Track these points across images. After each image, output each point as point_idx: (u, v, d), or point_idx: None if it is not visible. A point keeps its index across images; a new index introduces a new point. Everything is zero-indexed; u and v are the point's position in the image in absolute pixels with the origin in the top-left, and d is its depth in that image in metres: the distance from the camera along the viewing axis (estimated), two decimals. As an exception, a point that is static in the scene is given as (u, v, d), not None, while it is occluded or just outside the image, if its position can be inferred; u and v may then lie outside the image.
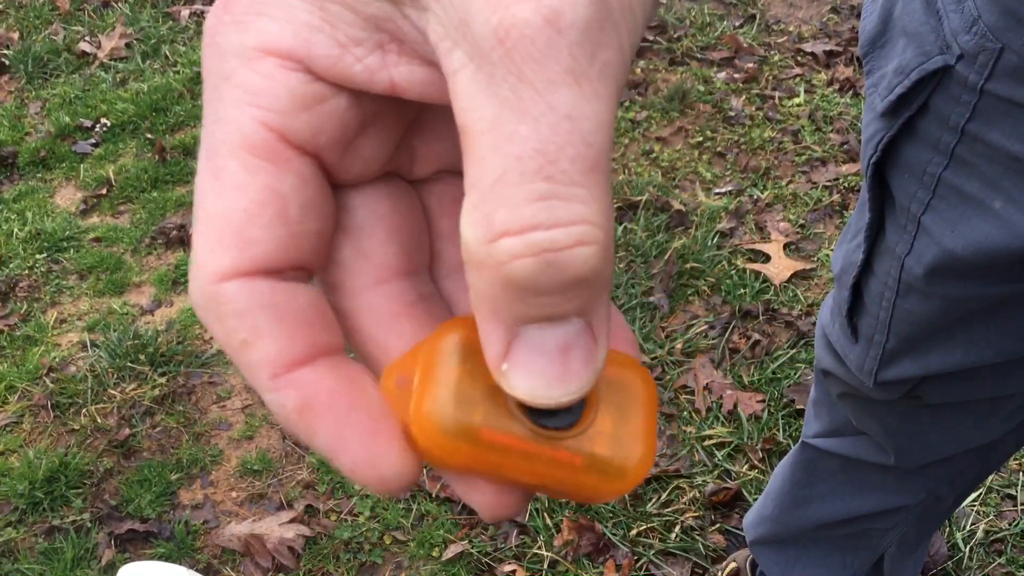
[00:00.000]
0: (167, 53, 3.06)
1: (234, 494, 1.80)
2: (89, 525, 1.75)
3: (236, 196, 0.25)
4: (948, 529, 1.66)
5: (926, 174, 0.82)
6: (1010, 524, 1.67)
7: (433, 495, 1.76)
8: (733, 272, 2.15)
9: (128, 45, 3.11)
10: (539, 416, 0.27)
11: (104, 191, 2.51)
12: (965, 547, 1.63)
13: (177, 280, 2.23)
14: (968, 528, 1.66)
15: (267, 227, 0.25)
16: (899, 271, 0.87)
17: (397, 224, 0.29)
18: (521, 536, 1.71)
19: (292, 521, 1.74)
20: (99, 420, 1.92)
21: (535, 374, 0.24)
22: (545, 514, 1.72)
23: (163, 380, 1.99)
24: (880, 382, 0.96)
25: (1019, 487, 1.71)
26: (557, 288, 0.23)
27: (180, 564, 1.68)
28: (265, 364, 0.26)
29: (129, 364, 2.01)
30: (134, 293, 2.22)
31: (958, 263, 0.81)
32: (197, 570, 1.67)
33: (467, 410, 0.27)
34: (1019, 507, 1.69)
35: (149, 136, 2.69)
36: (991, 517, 1.67)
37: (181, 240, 2.32)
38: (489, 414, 0.27)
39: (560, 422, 0.28)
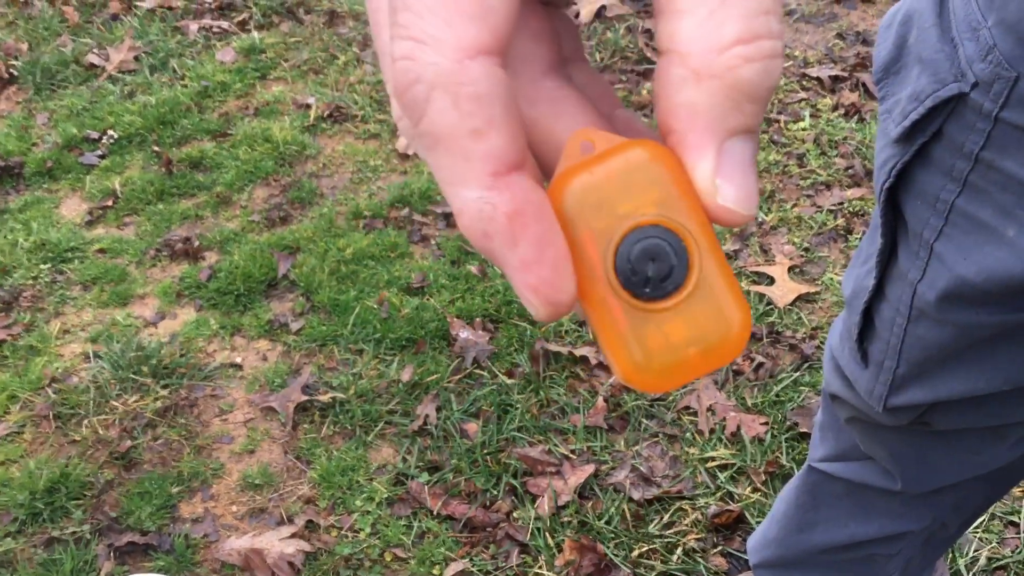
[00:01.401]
0: (175, 67, 3.07)
1: (235, 508, 1.80)
2: (89, 537, 1.75)
3: None
4: (951, 555, 1.65)
5: (939, 201, 0.82)
6: (1013, 551, 1.66)
7: (434, 512, 1.76)
8: (737, 294, 2.15)
9: (136, 58, 3.12)
10: (640, 285, 0.29)
11: (110, 202, 2.51)
12: (968, 574, 1.63)
13: (181, 293, 2.23)
14: (971, 554, 1.66)
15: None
16: (911, 297, 0.87)
17: (536, 27, 0.31)
18: (522, 555, 1.70)
19: (292, 536, 1.73)
20: (101, 431, 1.92)
21: (739, 187, 0.28)
22: (547, 533, 1.71)
23: (165, 392, 1.98)
24: (889, 408, 0.96)
25: (1022, 514, 1.71)
26: (765, 94, 0.27)
27: (179, 578, 1.67)
28: (491, 159, 0.26)
29: (132, 376, 2.01)
30: (138, 305, 2.22)
31: (970, 290, 0.81)
32: (196, 584, 1.67)
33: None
34: (1022, 534, 1.68)
35: (156, 149, 2.70)
36: (994, 544, 1.67)
37: (186, 252, 2.33)
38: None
39: (660, 290, 0.29)
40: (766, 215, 2.36)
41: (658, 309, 0.29)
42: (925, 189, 0.83)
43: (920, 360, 0.91)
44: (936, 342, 0.88)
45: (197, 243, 2.35)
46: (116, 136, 2.75)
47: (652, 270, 0.29)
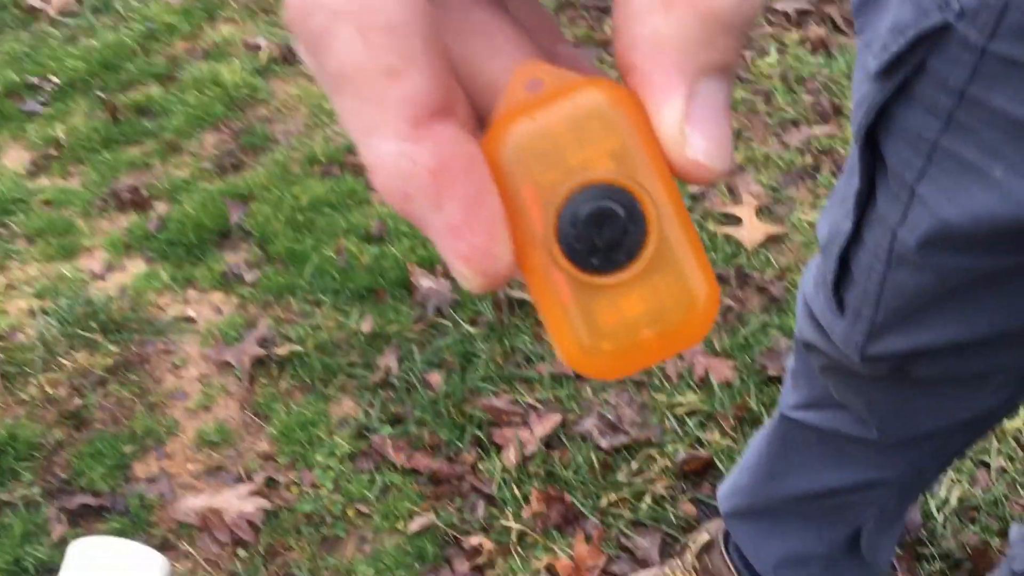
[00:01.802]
0: (119, 8, 2.94)
1: (191, 466, 1.74)
2: (39, 499, 1.69)
3: None
4: (922, 497, 1.64)
5: (922, 140, 0.77)
6: (984, 491, 1.65)
7: (398, 466, 1.71)
8: (705, 236, 2.10)
9: (79, 0, 2.99)
10: (585, 255, 0.25)
11: (54, 152, 2.41)
12: (939, 515, 1.62)
13: (130, 244, 2.15)
14: (942, 496, 1.64)
15: None
16: (890, 242, 0.82)
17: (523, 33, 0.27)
18: (489, 507, 1.67)
19: (251, 494, 1.68)
20: (49, 390, 1.85)
21: (711, 137, 0.24)
22: (514, 485, 1.68)
23: (116, 348, 1.91)
24: (867, 357, 0.92)
25: (993, 454, 1.70)
26: (744, 25, 0.23)
27: (134, 539, 1.62)
28: (410, 103, 0.22)
29: (80, 332, 1.93)
30: (85, 258, 2.14)
31: (954, 234, 0.77)
32: (152, 545, 1.61)
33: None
34: (993, 474, 1.67)
35: (100, 95, 2.59)
36: (965, 485, 1.66)
37: (134, 202, 2.24)
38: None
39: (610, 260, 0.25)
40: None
41: (609, 283, 0.25)
42: (907, 127, 0.78)
43: (899, 308, 0.86)
44: (916, 289, 0.84)
45: (146, 192, 2.26)
46: (58, 82, 2.63)
47: (601, 237, 0.25)
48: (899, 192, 0.80)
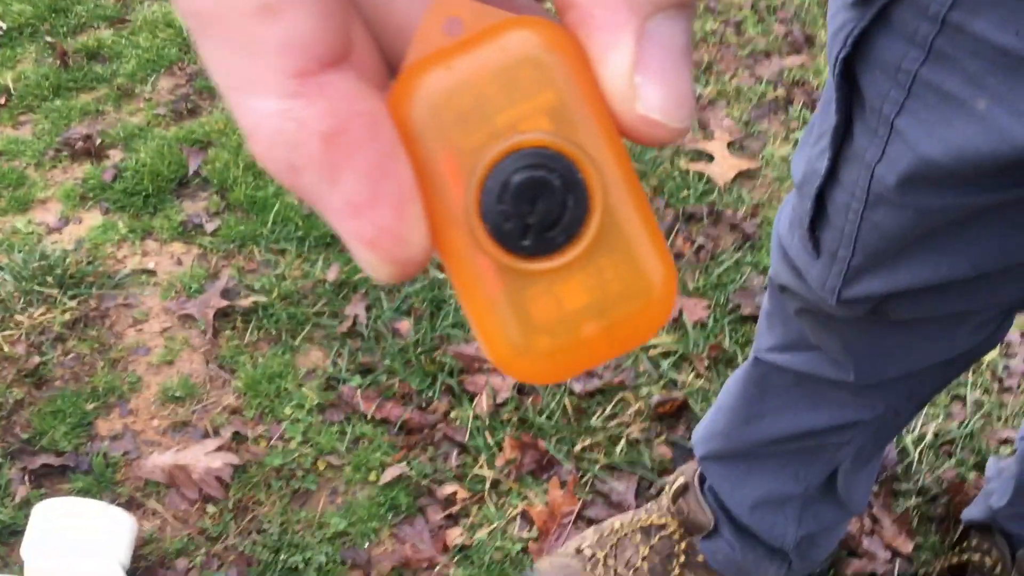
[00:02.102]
0: (65, -54, 2.83)
1: (155, 423, 1.70)
2: (0, 461, 1.64)
3: None
4: (898, 434, 1.63)
5: (901, 71, 0.73)
6: (959, 425, 1.64)
7: (368, 416, 1.68)
8: (676, 173, 2.06)
9: (21, -62, 2.86)
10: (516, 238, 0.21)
11: (2, 100, 2.32)
12: (915, 450, 1.61)
13: (85, 195, 2.08)
14: (917, 431, 1.63)
15: None
16: (868, 180, 0.78)
17: None
18: (462, 456, 1.64)
19: (219, 449, 1.64)
20: (6, 348, 1.79)
21: (668, 87, 0.19)
22: (486, 432, 1.65)
23: (74, 303, 1.85)
24: (843, 300, 0.89)
25: (968, 387, 1.69)
26: None
27: (100, 498, 1.58)
28: (292, 50, 0.18)
29: (36, 287, 1.87)
30: (39, 210, 2.07)
31: (935, 171, 0.73)
32: (119, 504, 1.58)
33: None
34: (968, 408, 1.66)
35: (49, 39, 2.49)
36: (940, 419, 1.64)
37: (88, 151, 2.16)
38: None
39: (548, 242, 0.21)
40: (704, 88, 2.25)
41: (545, 269, 0.21)
42: (885, 58, 0.74)
43: (877, 249, 0.83)
44: (895, 229, 0.80)
45: (99, 140, 2.19)
46: (4, 27, 2.53)
47: (534, 213, 0.20)
48: (877, 127, 0.76)
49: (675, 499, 1.41)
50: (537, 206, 0.20)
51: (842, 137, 0.81)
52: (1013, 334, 1.76)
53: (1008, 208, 0.76)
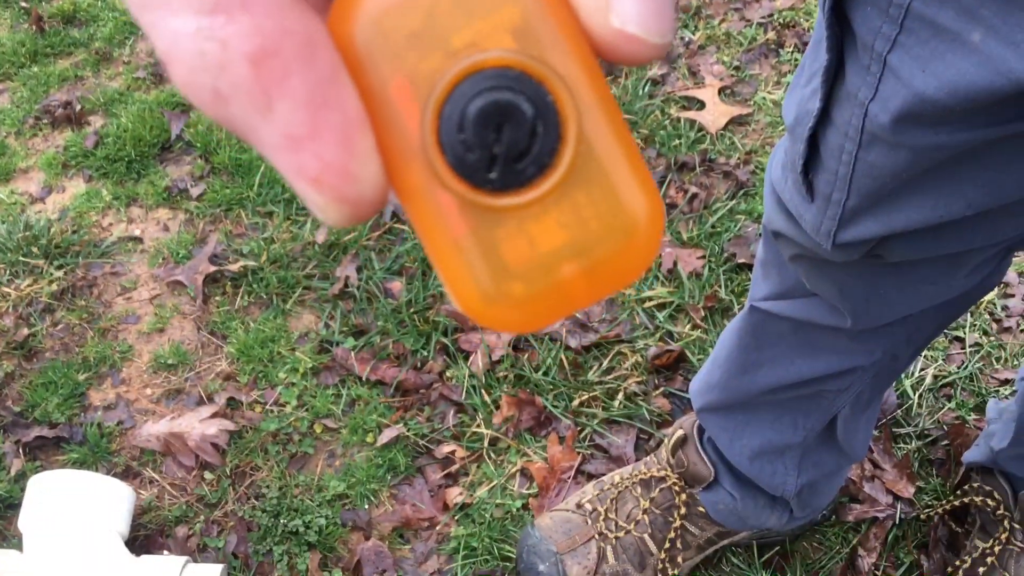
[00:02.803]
0: (37, -91, 2.76)
1: (149, 391, 1.68)
2: (-6, 435, 1.63)
3: None
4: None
5: (893, 5, 0.70)
6: (958, 367, 1.62)
7: (363, 378, 1.66)
8: (667, 122, 2.03)
9: (-8, -99, 2.80)
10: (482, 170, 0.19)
11: (-22, 69, 2.28)
12: (914, 394, 1.59)
13: (67, 163, 2.04)
14: (916, 374, 1.62)
15: None
16: (862, 119, 0.76)
17: None
18: (459, 415, 1.63)
19: (214, 416, 1.63)
20: (-6, 322, 1.77)
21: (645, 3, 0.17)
22: (483, 391, 1.64)
23: (61, 273, 1.83)
24: (839, 244, 0.86)
25: (967, 329, 1.67)
26: None
27: (96, 469, 1.57)
28: None
29: (22, 258, 1.85)
30: (21, 180, 2.04)
31: (930, 107, 0.70)
32: (115, 474, 1.57)
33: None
34: (967, 350, 1.65)
35: (24, 5, 2.44)
36: (940, 362, 1.63)
37: (68, 118, 2.13)
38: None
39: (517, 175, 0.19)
40: (692, 33, 2.21)
41: (515, 205, 0.19)
42: (877, -9, 0.71)
43: (872, 190, 0.80)
44: (890, 169, 0.78)
45: (79, 107, 2.15)
46: (-22, -7, 2.48)
47: (500, 143, 0.18)
48: (870, 64, 0.73)
49: (674, 451, 1.40)
50: (503, 134, 0.18)
51: (834, 76, 0.78)
52: (1011, 274, 1.74)
53: (1004, 144, 0.73)
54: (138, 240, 1.90)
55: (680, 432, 1.41)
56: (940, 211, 0.80)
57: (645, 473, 1.42)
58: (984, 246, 0.88)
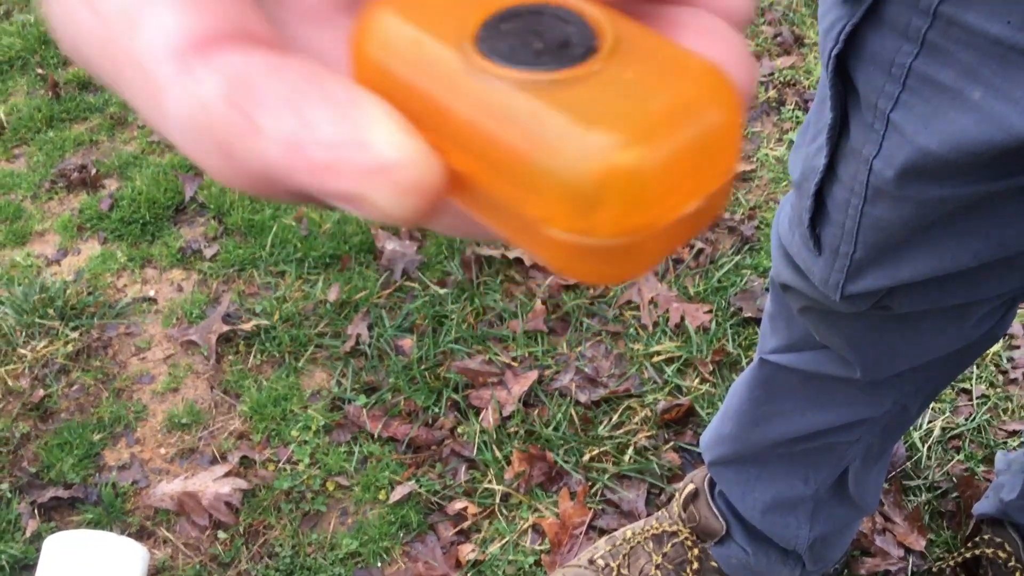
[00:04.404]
0: (53, -20, 2.84)
1: (163, 451, 1.70)
2: (9, 495, 1.64)
3: None
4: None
5: (895, 65, 0.73)
6: (966, 419, 1.63)
7: (375, 435, 1.68)
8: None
9: (9, -27, 2.88)
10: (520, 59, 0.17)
11: (-5, 134, 2.33)
12: (923, 446, 1.60)
13: (83, 225, 2.08)
14: (924, 427, 1.63)
15: None
16: (867, 175, 0.79)
17: None
18: (470, 471, 1.64)
19: (227, 475, 1.64)
20: (10, 382, 1.79)
21: None
22: (494, 446, 1.65)
23: (76, 335, 1.85)
24: (847, 295, 0.89)
25: (974, 380, 1.68)
26: None
27: (111, 529, 1.58)
28: (167, 42, 0.16)
29: (38, 320, 1.87)
30: (38, 242, 2.07)
31: (933, 162, 0.73)
32: (129, 534, 1.58)
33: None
34: (974, 402, 1.66)
35: (40, 72, 2.49)
36: (947, 414, 1.64)
37: (84, 182, 2.16)
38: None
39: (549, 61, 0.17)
40: (695, 93, 2.26)
41: (580, 75, 0.17)
42: (878, 53, 0.74)
43: (879, 243, 0.83)
44: (895, 222, 0.80)
45: (95, 170, 2.19)
46: (-4, 61, 2.54)
47: (541, 38, 0.17)
48: (873, 122, 0.76)
49: (685, 506, 1.41)
50: (543, 33, 0.17)
51: (838, 133, 0.81)
52: (1016, 326, 1.75)
53: (1006, 197, 0.76)
54: (152, 301, 1.93)
55: (691, 486, 1.42)
56: (946, 263, 0.82)
57: (657, 528, 1.43)
58: (990, 297, 0.90)
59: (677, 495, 1.44)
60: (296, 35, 0.19)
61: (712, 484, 1.39)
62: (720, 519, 1.36)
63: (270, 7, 0.19)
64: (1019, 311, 1.76)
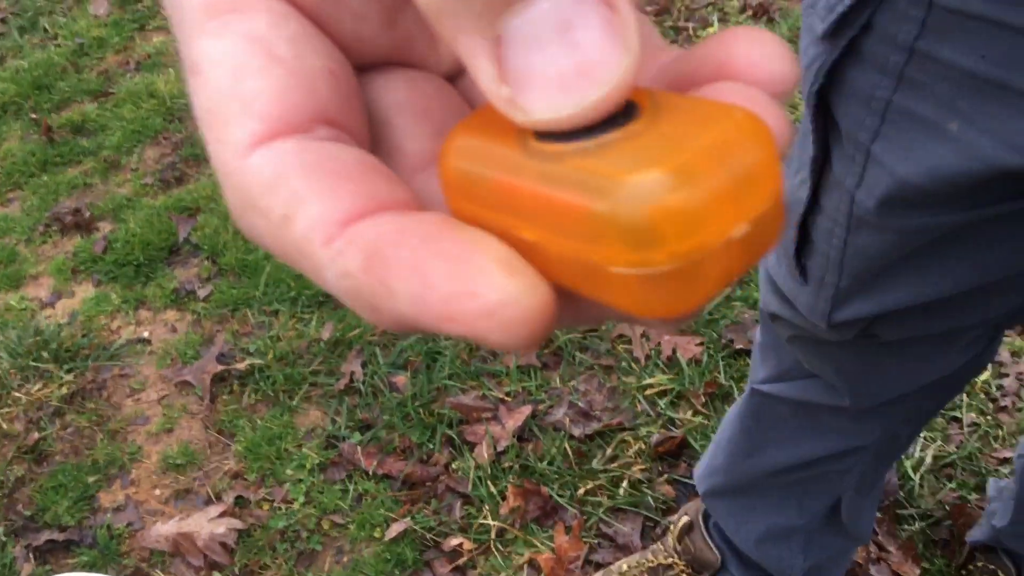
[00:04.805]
0: (46, 26, 2.87)
1: (157, 492, 1.70)
2: (4, 539, 1.63)
3: (219, 69, 0.20)
4: (898, 459, 1.63)
5: (874, 99, 0.75)
6: (958, 447, 1.65)
7: (370, 473, 1.68)
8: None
9: (3, 20, 2.91)
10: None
11: (-11, 179, 2.34)
12: (915, 475, 1.61)
13: (77, 268, 2.09)
14: (916, 455, 1.64)
15: (259, 73, 0.20)
16: (849, 205, 0.80)
17: (424, 107, 0.24)
18: (465, 507, 1.64)
19: (222, 515, 1.64)
20: (4, 426, 1.79)
21: (545, 81, 0.18)
22: (489, 482, 1.65)
23: (70, 377, 1.86)
24: (834, 324, 0.90)
25: (964, 409, 1.70)
26: None
27: (106, 572, 1.58)
28: (314, 230, 0.19)
29: (32, 363, 1.88)
30: (31, 286, 2.08)
31: (913, 192, 0.75)
32: (125, 576, 1.57)
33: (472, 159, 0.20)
34: (965, 430, 1.67)
35: (34, 116, 2.52)
36: (939, 442, 1.65)
37: (77, 225, 2.18)
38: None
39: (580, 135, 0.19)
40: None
41: (624, 136, 0.19)
42: (858, 88, 0.76)
43: (863, 271, 0.85)
44: (878, 251, 0.82)
45: (88, 213, 2.20)
46: (-11, 107, 2.56)
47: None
48: (854, 154, 0.78)
49: (680, 538, 1.41)
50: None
51: (821, 166, 0.83)
52: (1004, 353, 1.77)
53: (986, 226, 0.78)
54: (146, 342, 1.93)
55: (686, 519, 1.43)
56: (928, 290, 0.83)
57: (652, 561, 1.43)
58: (974, 324, 0.92)
59: (672, 528, 1.45)
60: (411, 184, 0.22)
61: (707, 516, 1.40)
62: (715, 551, 1.36)
63: (391, 166, 0.22)
64: (1006, 338, 1.78)
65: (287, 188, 0.19)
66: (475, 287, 0.18)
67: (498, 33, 0.18)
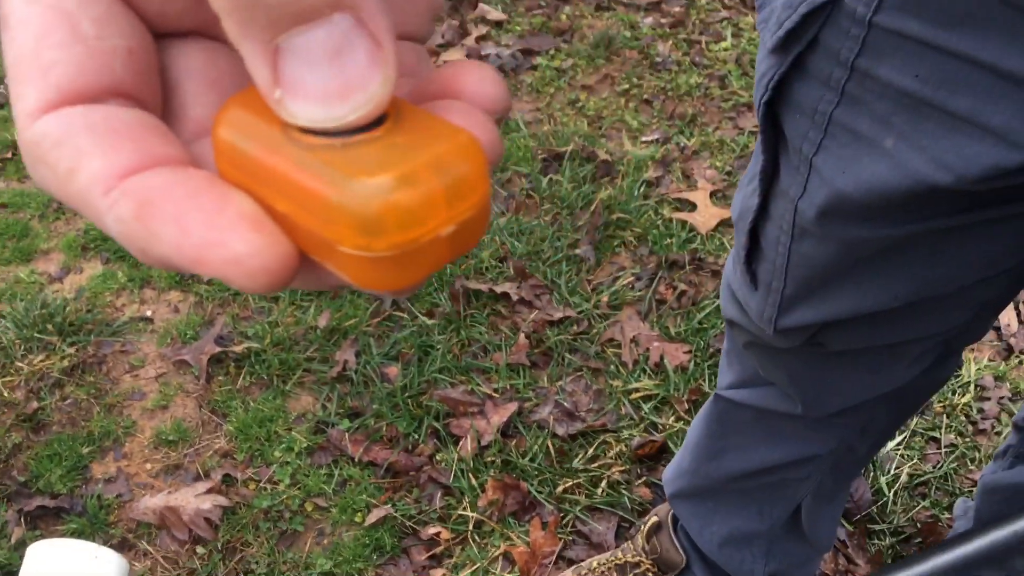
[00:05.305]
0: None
1: (148, 466, 1.74)
2: (-3, 503, 1.69)
3: (24, 31, 0.23)
4: (872, 473, 1.65)
5: (817, 113, 0.78)
6: (934, 467, 1.66)
7: (356, 459, 1.72)
8: (660, 222, 2.11)
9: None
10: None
11: (9, 155, 2.40)
12: (889, 491, 1.63)
13: (86, 246, 2.15)
14: (892, 472, 1.66)
15: (60, 46, 0.23)
16: (793, 214, 0.83)
17: (215, 78, 0.27)
18: (446, 497, 1.67)
19: (209, 492, 1.68)
20: (6, 394, 1.85)
21: (312, 93, 0.22)
22: (470, 474, 1.69)
23: (72, 350, 1.91)
24: (780, 329, 0.93)
25: (942, 430, 1.71)
26: None
27: (93, 539, 1.62)
28: (95, 182, 0.22)
29: (37, 335, 1.93)
30: (42, 260, 2.13)
31: (850, 204, 0.78)
32: (111, 545, 1.62)
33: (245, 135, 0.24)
34: (943, 450, 1.69)
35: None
36: (915, 460, 1.67)
37: (91, 205, 2.23)
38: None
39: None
40: (688, 139, 2.32)
41: (366, 140, 0.23)
42: (803, 101, 0.79)
43: (806, 279, 0.87)
44: (821, 260, 0.85)
45: (103, 194, 2.26)
46: (16, 86, 2.63)
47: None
48: (799, 165, 0.81)
49: (648, 538, 1.44)
50: None
51: (771, 176, 0.86)
52: (987, 378, 1.78)
53: (925, 240, 0.80)
54: (149, 320, 1.99)
55: (655, 519, 1.46)
56: (869, 301, 0.86)
57: (620, 559, 1.46)
58: (919, 338, 0.94)
59: (641, 527, 1.47)
60: (193, 147, 0.26)
61: (675, 518, 1.43)
62: (680, 552, 1.39)
63: (174, 130, 0.26)
64: (990, 362, 1.79)
65: (72, 144, 0.23)
66: (225, 238, 0.22)
67: (278, 44, 0.22)
